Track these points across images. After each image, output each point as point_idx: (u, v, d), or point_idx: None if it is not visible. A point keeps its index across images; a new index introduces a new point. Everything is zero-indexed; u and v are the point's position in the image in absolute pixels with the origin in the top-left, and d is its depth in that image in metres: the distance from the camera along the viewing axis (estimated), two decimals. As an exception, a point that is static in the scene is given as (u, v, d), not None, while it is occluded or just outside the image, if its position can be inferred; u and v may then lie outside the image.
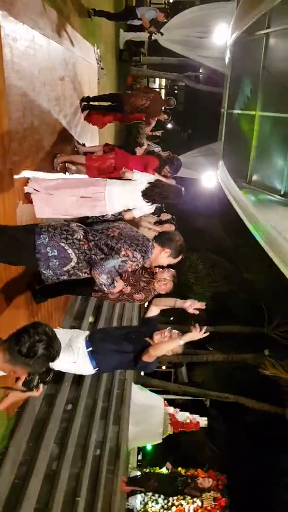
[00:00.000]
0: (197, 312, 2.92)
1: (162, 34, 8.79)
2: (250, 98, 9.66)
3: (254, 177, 9.37)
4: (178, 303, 3.00)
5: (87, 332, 3.11)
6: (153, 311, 3.10)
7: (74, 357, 2.89)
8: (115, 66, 10.46)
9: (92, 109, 5.99)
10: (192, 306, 2.91)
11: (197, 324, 2.70)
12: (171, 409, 8.98)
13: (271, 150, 9.09)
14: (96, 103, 6.06)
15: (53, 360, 1.58)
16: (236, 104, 10.66)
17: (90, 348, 2.92)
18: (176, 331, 2.93)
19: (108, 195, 3.67)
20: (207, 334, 2.69)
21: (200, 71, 13.17)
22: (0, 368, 1.58)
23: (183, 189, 4.05)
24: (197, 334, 2.70)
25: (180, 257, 2.76)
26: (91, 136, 6.57)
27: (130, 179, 3.87)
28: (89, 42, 6.90)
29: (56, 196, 3.64)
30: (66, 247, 2.39)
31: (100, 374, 3.36)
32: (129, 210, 4.00)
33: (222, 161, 10.55)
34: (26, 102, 3.60)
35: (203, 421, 9.14)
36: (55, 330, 3.21)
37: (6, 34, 3.15)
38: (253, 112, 9.48)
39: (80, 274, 2.51)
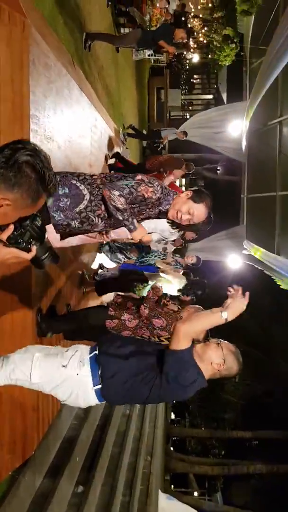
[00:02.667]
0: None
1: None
2: (269, 181, 9.88)
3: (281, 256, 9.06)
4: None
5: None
6: None
7: (65, 360, 2.06)
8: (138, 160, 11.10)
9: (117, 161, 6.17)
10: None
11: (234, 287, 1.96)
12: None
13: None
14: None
15: (41, 175, 1.15)
16: (255, 189, 10.91)
17: (95, 352, 2.12)
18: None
19: None
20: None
21: (218, 168, 13.87)
22: None
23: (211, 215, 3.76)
24: (240, 300, 1.91)
25: (202, 205, 2.27)
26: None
27: None
28: (116, 125, 7.35)
29: None
30: (78, 184, 2.17)
31: (108, 398, 2.11)
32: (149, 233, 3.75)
33: (247, 241, 10.41)
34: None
35: None
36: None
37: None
38: (274, 193, 9.63)
39: (93, 218, 2.22)
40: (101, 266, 4.99)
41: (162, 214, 2.32)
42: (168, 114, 13.61)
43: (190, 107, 15.84)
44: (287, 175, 9.17)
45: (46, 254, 1.49)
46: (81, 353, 2.13)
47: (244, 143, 10.61)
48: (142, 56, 9.28)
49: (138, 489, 4.77)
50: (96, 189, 2.20)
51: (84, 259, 4.88)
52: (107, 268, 5.13)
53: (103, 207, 2.21)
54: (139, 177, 2.18)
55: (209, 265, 10.38)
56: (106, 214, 2.22)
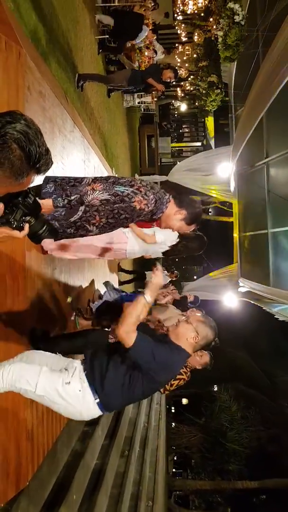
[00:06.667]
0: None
1: None
2: (260, 219, 10.10)
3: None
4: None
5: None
6: None
7: (68, 378, 2.17)
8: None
9: None
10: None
11: (156, 263, 2.24)
12: None
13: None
14: None
15: (27, 153, 1.08)
16: (247, 227, 11.11)
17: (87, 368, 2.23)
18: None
19: (131, 239, 3.80)
20: (175, 277, 2.18)
21: (210, 210, 14.17)
22: None
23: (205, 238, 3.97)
24: (157, 276, 2.13)
25: (193, 226, 2.44)
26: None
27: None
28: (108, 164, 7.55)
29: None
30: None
31: (108, 407, 2.22)
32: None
33: (242, 278, 10.44)
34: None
35: None
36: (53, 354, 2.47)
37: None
38: (265, 231, 9.81)
39: (88, 226, 2.22)
40: (100, 297, 4.86)
41: (152, 218, 2.37)
42: (159, 161, 14.10)
43: (180, 154, 16.55)
44: (277, 213, 9.40)
45: (44, 228, 1.50)
46: (79, 369, 2.22)
47: (232, 185, 10.94)
48: (132, 103, 9.74)
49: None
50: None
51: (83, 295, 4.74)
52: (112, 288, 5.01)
53: (97, 217, 2.23)
54: (136, 186, 2.19)
55: (205, 305, 10.27)
56: (101, 223, 2.26)
